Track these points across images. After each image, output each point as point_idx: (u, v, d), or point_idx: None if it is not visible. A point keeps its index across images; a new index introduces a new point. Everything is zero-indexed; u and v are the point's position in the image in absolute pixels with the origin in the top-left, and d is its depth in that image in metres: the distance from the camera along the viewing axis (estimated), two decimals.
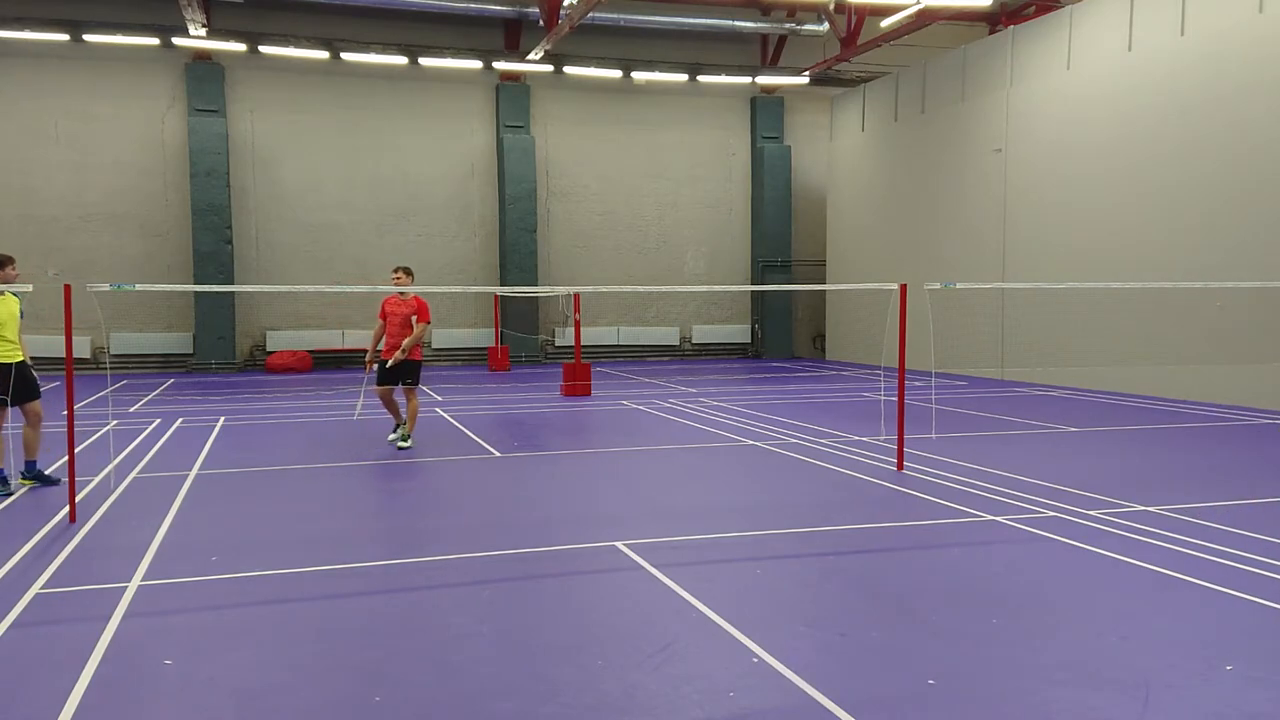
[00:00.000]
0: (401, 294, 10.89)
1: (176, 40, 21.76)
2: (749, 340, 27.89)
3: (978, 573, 6.11)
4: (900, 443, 9.75)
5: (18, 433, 9.03)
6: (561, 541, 6.90)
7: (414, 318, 10.89)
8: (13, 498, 8.42)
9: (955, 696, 4.20)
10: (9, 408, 8.62)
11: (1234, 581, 5.78)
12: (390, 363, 10.84)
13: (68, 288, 7.60)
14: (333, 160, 24.31)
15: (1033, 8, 22.22)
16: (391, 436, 11.30)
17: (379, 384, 11.04)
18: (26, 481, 8.92)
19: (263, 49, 22.68)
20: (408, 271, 11.12)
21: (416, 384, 11.10)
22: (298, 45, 22.72)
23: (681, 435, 12.21)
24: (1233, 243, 14.88)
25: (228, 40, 22.15)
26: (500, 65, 24.30)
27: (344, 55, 23.09)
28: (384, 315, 11.03)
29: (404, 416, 11.15)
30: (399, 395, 11.30)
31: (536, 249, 25.41)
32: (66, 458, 7.98)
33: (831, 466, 9.86)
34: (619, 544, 6.74)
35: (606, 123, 26.40)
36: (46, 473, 9.08)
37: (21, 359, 8.70)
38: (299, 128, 24.09)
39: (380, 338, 11.10)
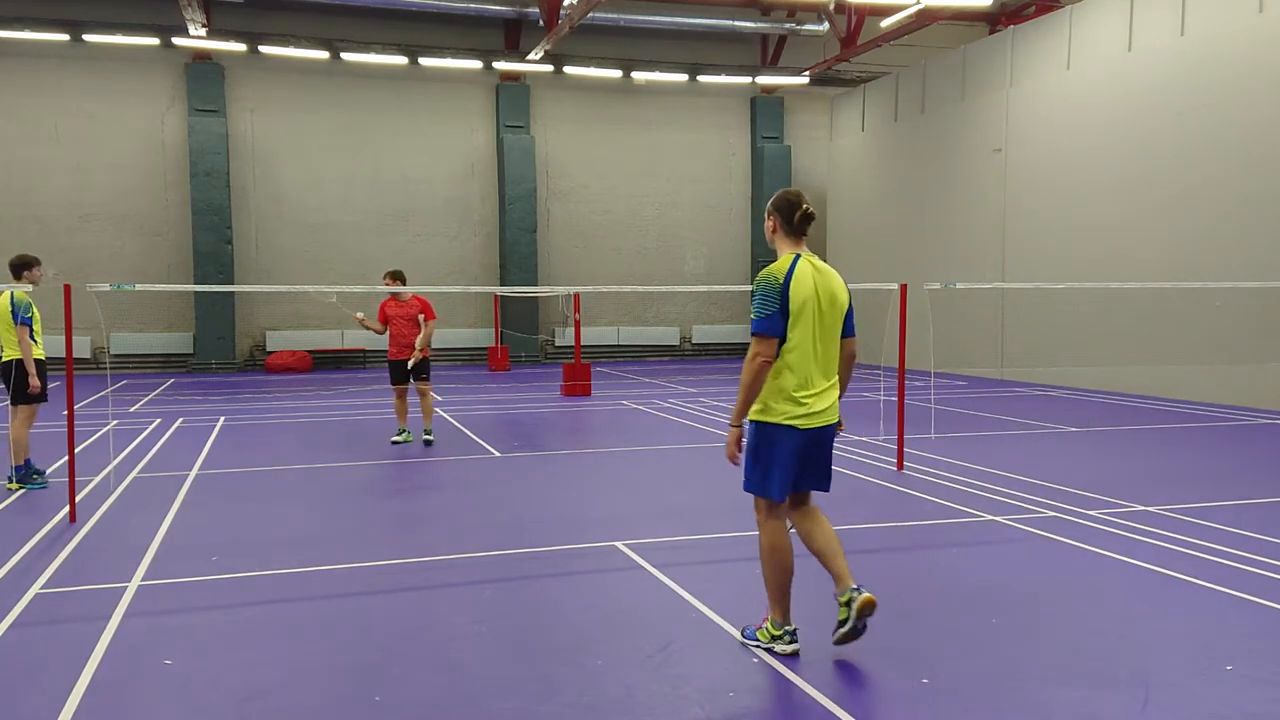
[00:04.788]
0: (397, 296, 11.18)
1: (176, 40, 21.75)
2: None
3: (978, 573, 6.11)
4: (900, 443, 9.75)
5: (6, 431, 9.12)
6: (561, 541, 6.90)
7: (421, 317, 11.21)
8: (12, 497, 8.44)
9: (955, 696, 4.20)
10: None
11: (1234, 581, 5.78)
12: (411, 363, 11.15)
13: (68, 288, 7.60)
14: (333, 160, 24.31)
15: (1033, 8, 22.22)
16: (395, 439, 11.45)
17: (394, 383, 11.43)
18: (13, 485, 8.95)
19: (263, 49, 22.67)
20: (395, 275, 11.20)
21: (429, 380, 11.40)
22: (298, 45, 22.72)
23: (681, 435, 12.21)
24: (1232, 242, 14.87)
25: (228, 40, 22.15)
26: (500, 65, 24.30)
27: (344, 55, 23.09)
28: (384, 319, 11.29)
29: (406, 423, 11.57)
30: (411, 395, 11.67)
31: (536, 249, 25.41)
32: (67, 458, 7.98)
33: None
34: (619, 544, 6.74)
35: (606, 123, 26.40)
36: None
37: (11, 357, 8.75)
38: (299, 128, 24.09)
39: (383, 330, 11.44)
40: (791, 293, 4.46)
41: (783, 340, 4.47)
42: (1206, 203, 15.35)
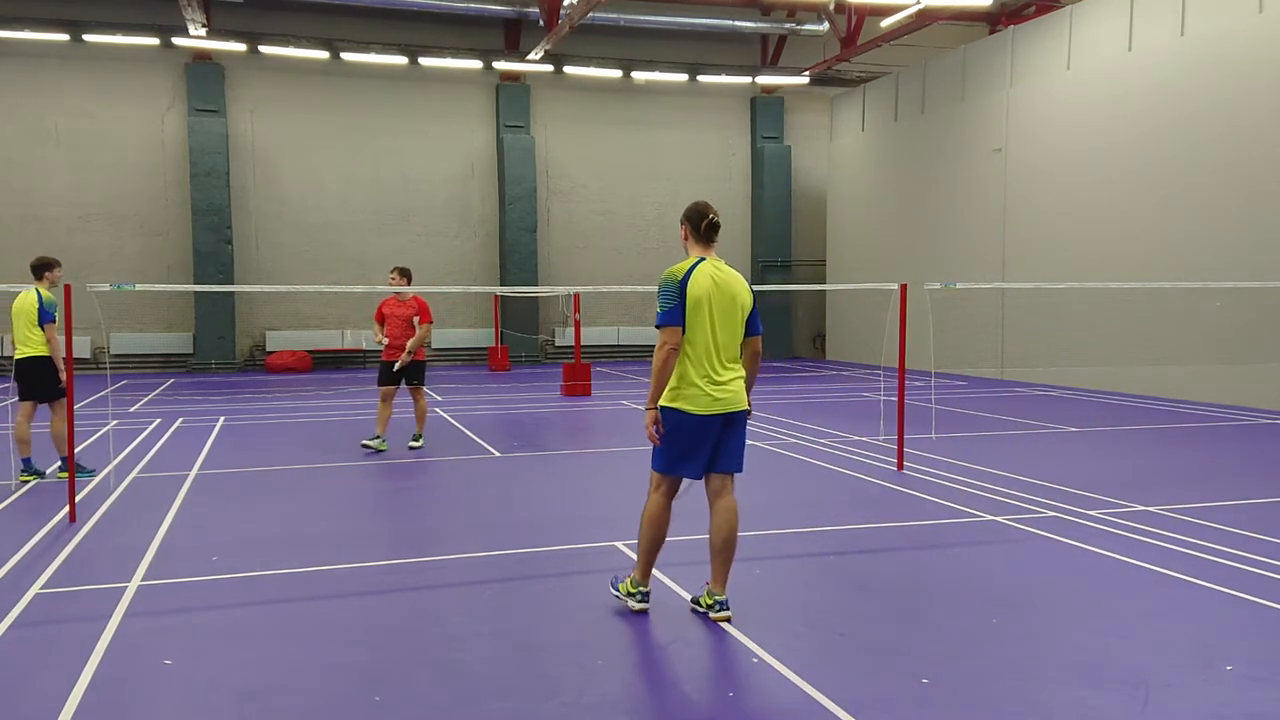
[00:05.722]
0: (399, 295, 10.85)
1: (176, 40, 21.75)
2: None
3: (977, 573, 6.10)
4: (900, 443, 9.75)
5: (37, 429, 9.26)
6: (561, 541, 6.90)
7: (416, 319, 10.83)
8: (13, 496, 8.44)
9: (955, 696, 4.20)
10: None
11: (1234, 581, 5.78)
12: (397, 365, 10.70)
13: (68, 287, 7.61)
14: (333, 160, 24.31)
15: (1033, 8, 22.22)
16: (366, 442, 10.86)
17: (382, 384, 10.91)
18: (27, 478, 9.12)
19: (263, 49, 22.68)
20: (403, 272, 10.94)
21: (422, 384, 11.05)
22: (298, 45, 22.72)
23: None
24: (1233, 242, 14.88)
25: (228, 40, 22.15)
26: (500, 65, 24.30)
27: (344, 55, 23.09)
28: (382, 318, 10.93)
29: (384, 430, 10.91)
30: (403, 397, 11.24)
31: (536, 249, 25.41)
32: (66, 457, 7.98)
33: (831, 466, 9.86)
34: (619, 544, 6.74)
35: (606, 123, 26.40)
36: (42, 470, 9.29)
37: (26, 354, 9.00)
38: (299, 128, 24.09)
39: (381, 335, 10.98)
40: (689, 290, 5.00)
41: (683, 331, 5.02)
42: (1207, 203, 15.35)
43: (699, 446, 5.11)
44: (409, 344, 10.72)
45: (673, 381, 5.08)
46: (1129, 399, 15.88)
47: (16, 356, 8.99)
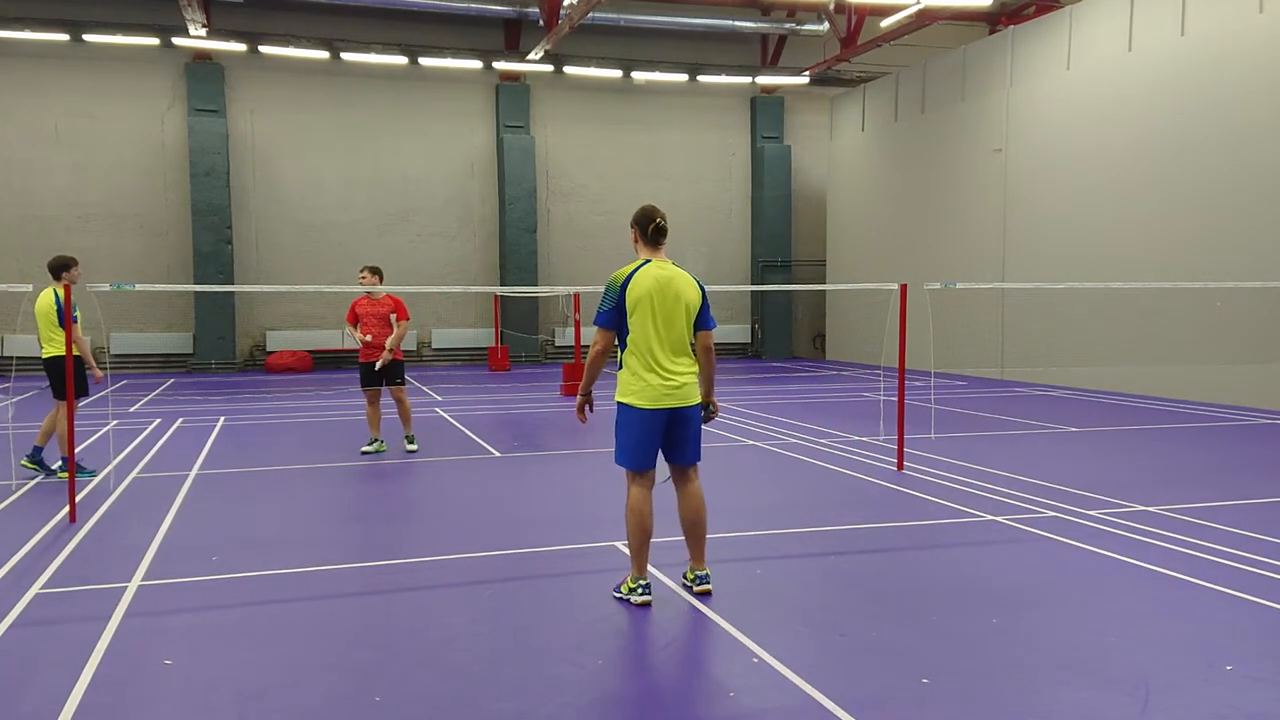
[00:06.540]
0: (371, 294, 10.68)
1: (176, 40, 21.75)
2: (749, 340, 27.89)
3: (978, 573, 6.11)
4: (900, 443, 9.75)
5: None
6: (561, 541, 6.91)
7: (393, 316, 10.67)
8: (13, 496, 8.45)
9: (955, 696, 4.20)
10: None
11: (1234, 581, 5.78)
12: (379, 364, 10.51)
13: (68, 288, 7.63)
14: (333, 160, 24.31)
15: (1033, 8, 22.22)
16: (365, 449, 10.79)
17: (365, 385, 10.78)
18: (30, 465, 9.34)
19: (263, 49, 22.67)
20: (374, 270, 10.71)
21: (403, 382, 10.85)
22: (298, 45, 22.71)
23: None
24: (1232, 242, 14.87)
25: (228, 40, 22.14)
26: (500, 65, 24.30)
27: (344, 55, 23.08)
28: (354, 319, 10.78)
29: (379, 432, 10.90)
30: (385, 398, 11.05)
31: (536, 249, 25.41)
32: (67, 457, 7.98)
33: (831, 466, 9.86)
34: (618, 544, 6.74)
35: (606, 123, 26.39)
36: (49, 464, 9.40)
37: (50, 354, 9.14)
38: (299, 128, 24.08)
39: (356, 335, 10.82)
40: (628, 292, 5.33)
41: (625, 331, 5.35)
42: (1207, 202, 15.35)
43: (650, 439, 5.43)
44: (388, 342, 10.54)
45: (625, 377, 5.44)
46: (1129, 399, 15.88)
47: (43, 356, 9.07)
